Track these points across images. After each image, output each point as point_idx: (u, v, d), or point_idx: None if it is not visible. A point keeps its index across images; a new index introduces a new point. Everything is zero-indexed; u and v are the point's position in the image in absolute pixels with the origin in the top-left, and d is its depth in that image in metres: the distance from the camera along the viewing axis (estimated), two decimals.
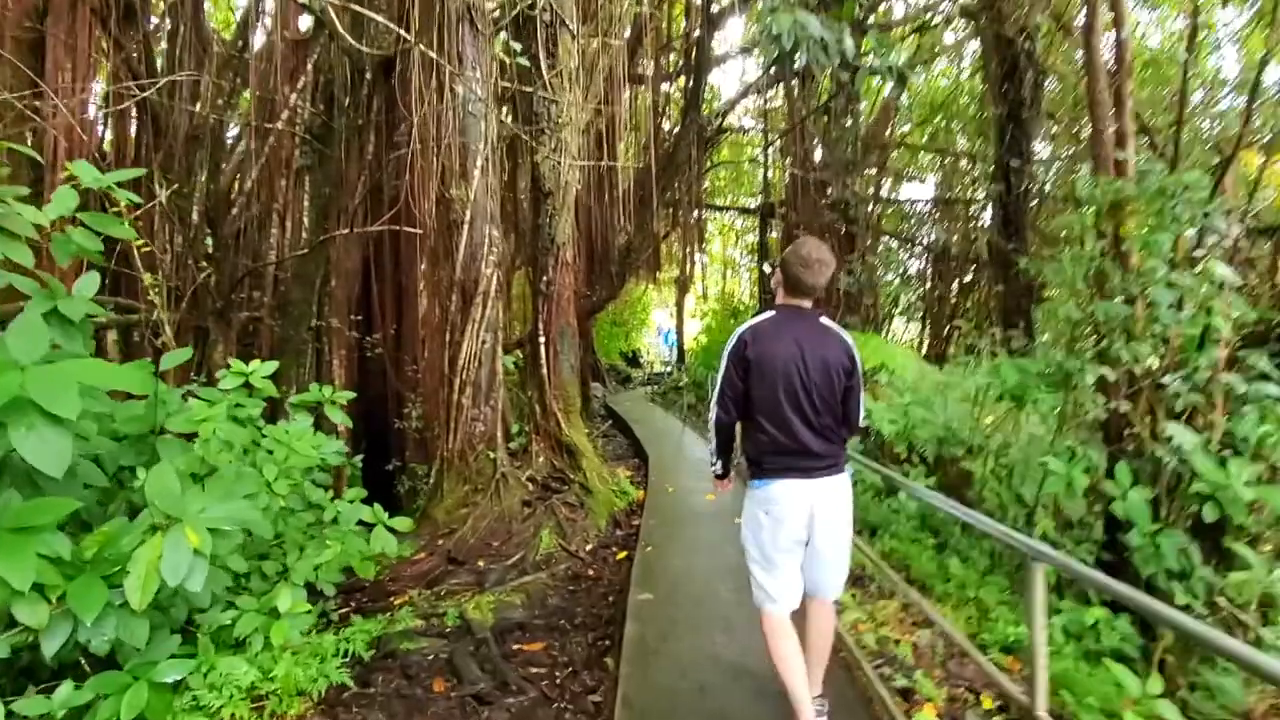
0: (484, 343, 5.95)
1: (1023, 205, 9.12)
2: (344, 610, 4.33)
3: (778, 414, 2.37)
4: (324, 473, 4.91)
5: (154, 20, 7.67)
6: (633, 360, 24.55)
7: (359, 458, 7.15)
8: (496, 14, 6.48)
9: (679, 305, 23.46)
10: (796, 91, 12.20)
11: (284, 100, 8.00)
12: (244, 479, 3.38)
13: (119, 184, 2.95)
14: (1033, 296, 8.31)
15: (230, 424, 3.46)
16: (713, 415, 2.57)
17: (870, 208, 12.44)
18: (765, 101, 13.95)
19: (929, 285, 15.82)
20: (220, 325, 7.79)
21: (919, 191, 21.35)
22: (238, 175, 8.34)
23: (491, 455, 6.00)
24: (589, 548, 5.09)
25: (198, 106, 7.32)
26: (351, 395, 5.21)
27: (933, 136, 16.36)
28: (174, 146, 7.13)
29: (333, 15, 6.38)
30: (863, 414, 2.57)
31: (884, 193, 14.75)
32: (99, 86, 6.90)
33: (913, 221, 16.85)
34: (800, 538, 2.40)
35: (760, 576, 2.46)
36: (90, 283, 2.73)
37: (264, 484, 3.58)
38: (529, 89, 6.32)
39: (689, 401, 12.09)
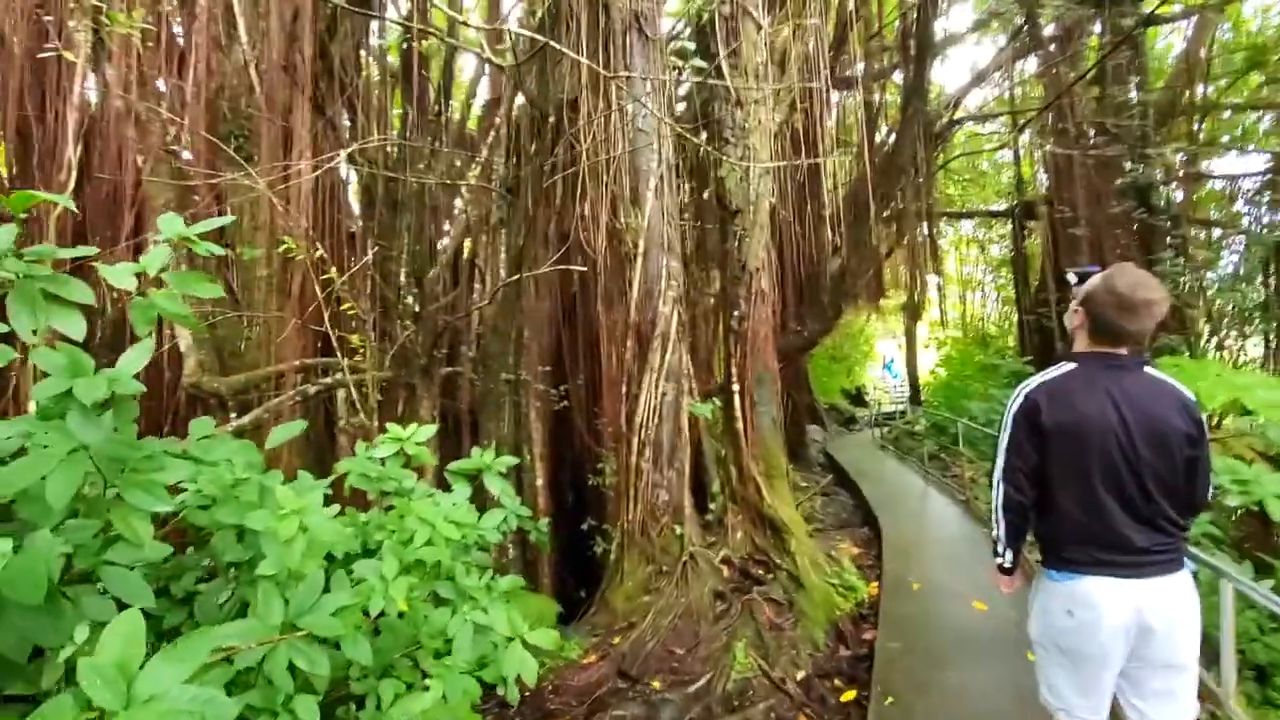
0: (664, 395, 4.99)
1: None
2: None
3: (1089, 497, 1.95)
4: (484, 550, 4.28)
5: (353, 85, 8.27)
6: (857, 398, 22.09)
7: (545, 522, 6.61)
8: (669, 18, 5.71)
9: (909, 335, 20.59)
10: (1054, 57, 9.74)
11: (480, 157, 8.10)
12: (340, 585, 2.75)
13: (201, 237, 2.54)
14: None
15: (326, 518, 2.82)
16: (999, 493, 2.09)
17: (1177, 189, 9.35)
18: (1011, 79, 11.48)
19: (1274, 286, 11.61)
20: (424, 381, 7.94)
21: (1243, 164, 16.34)
22: (440, 233, 8.65)
23: (678, 530, 4.95)
24: (800, 675, 3.72)
25: (406, 171, 7.65)
26: (514, 461, 4.55)
27: (1260, 89, 12.22)
28: (381, 211, 7.47)
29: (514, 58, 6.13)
30: (1211, 488, 2.05)
31: (1194, 169, 11.19)
32: (306, 156, 7.48)
33: (1238, 203, 12.67)
34: (1119, 653, 1.92)
35: (1052, 672, 2.04)
36: (140, 354, 2.25)
37: (372, 591, 2.92)
38: (710, 86, 5.38)
39: (929, 450, 9.93)
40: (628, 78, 5.05)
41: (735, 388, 5.30)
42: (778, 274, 5.77)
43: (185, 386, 7.26)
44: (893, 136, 10.73)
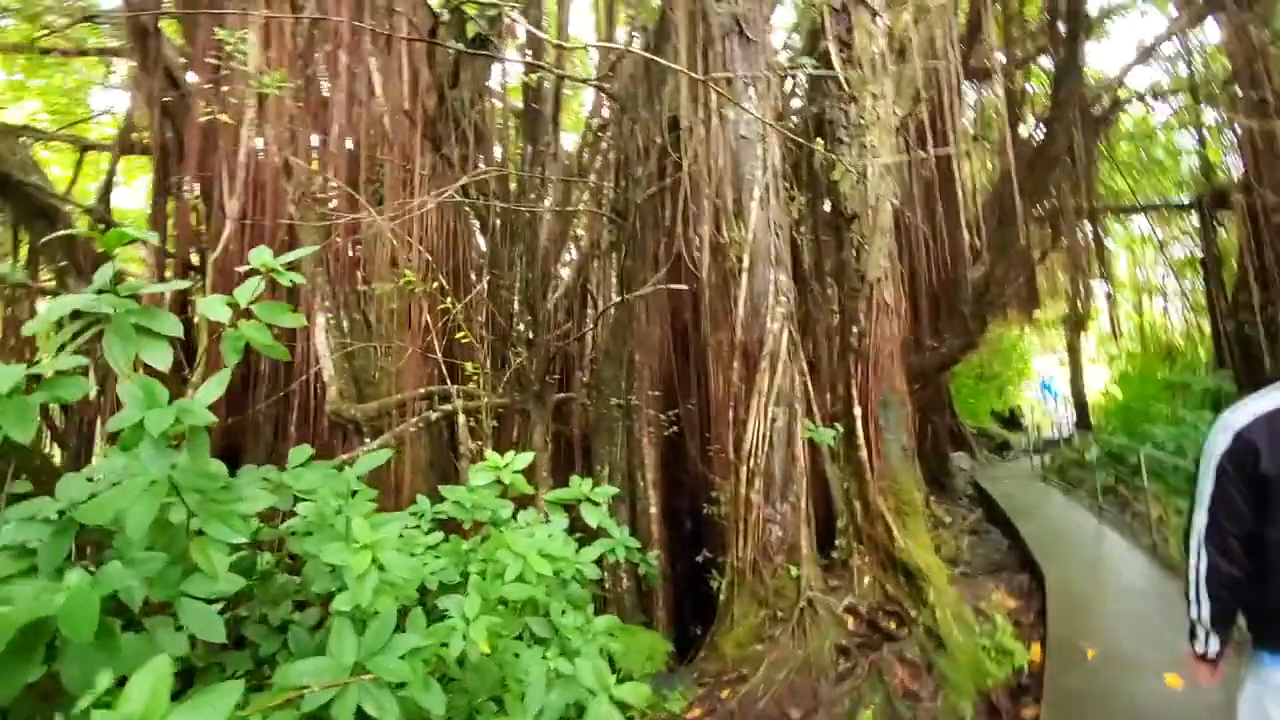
0: (774, 420, 4.55)
1: None
2: None
3: None
4: (583, 587, 4.06)
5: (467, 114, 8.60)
6: (1010, 422, 19.81)
7: (655, 554, 6.34)
8: (772, 20, 5.36)
9: (1072, 350, 18.17)
10: (1240, 15, 8.21)
11: (590, 183, 8.14)
12: (415, 624, 2.61)
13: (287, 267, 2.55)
14: None
15: (404, 552, 2.69)
16: (1200, 562, 1.67)
17: None
18: (1187, 48, 9.85)
19: None
20: (538, 407, 7.99)
21: None
22: (553, 261, 8.77)
23: (793, 572, 4.45)
24: None
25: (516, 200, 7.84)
26: (613, 491, 4.31)
27: None
28: (495, 241, 7.67)
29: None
30: None
31: None
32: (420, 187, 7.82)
33: None
34: None
35: None
36: (217, 386, 2.24)
37: (452, 629, 2.76)
38: (821, 85, 4.96)
39: (1103, 482, 8.50)
40: (728, 80, 4.76)
41: (857, 412, 4.74)
42: (905, 284, 5.15)
43: (328, 413, 7.77)
44: (1042, 128, 9.51)
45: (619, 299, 6.64)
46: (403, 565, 2.50)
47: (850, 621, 4.29)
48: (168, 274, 9.68)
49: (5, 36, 11.65)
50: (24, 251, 11.36)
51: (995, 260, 8.22)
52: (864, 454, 4.65)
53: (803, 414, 4.77)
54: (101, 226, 10.73)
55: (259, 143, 7.43)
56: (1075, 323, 16.01)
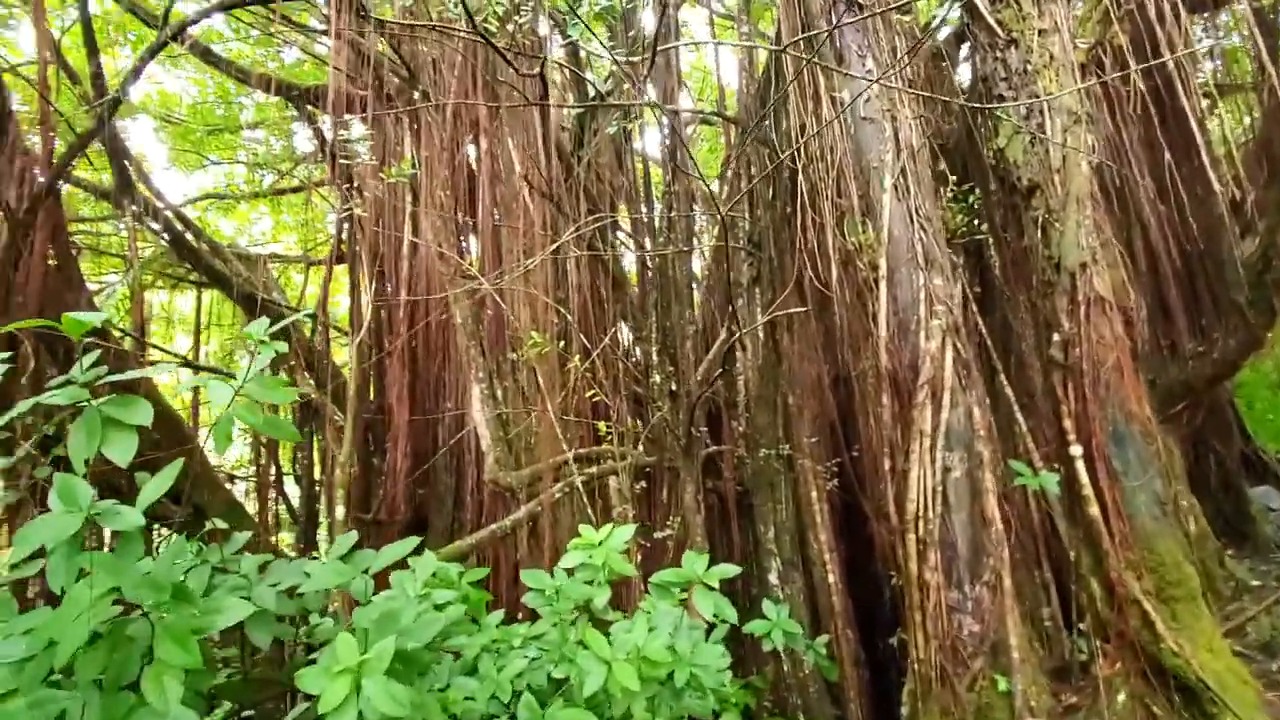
0: (947, 469, 3.40)
1: None
2: None
3: None
4: (701, 697, 3.24)
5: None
6: None
7: (824, 640, 5.23)
8: None
9: None
10: None
11: (721, 215, 7.52)
12: None
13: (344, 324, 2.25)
14: None
15: (390, 679, 2.05)
16: None
17: None
18: None
19: None
20: (686, 462, 7.29)
21: None
22: (690, 304, 8.17)
23: (1001, 684, 3.18)
24: None
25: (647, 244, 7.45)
26: (734, 570, 3.48)
27: None
28: (628, 293, 7.31)
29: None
30: None
31: None
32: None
33: None
34: None
35: None
36: (155, 488, 1.91)
37: None
38: (964, 34, 3.88)
39: None
40: (838, 58, 3.91)
41: (1074, 452, 3.38)
42: (1130, 269, 3.71)
43: (486, 481, 7.81)
44: None
45: (727, 333, 5.81)
46: (392, 696, 1.93)
47: None
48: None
49: (257, 185, 14.28)
50: None
51: (1276, 225, 5.95)
52: (1093, 510, 3.27)
53: (991, 459, 3.53)
54: (319, 329, 12.33)
55: (420, 229, 7.93)
56: None
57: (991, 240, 4.53)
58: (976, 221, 4.63)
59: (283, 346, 2.25)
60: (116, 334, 8.50)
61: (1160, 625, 2.98)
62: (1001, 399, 4.76)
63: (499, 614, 3.36)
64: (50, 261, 6.89)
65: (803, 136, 4.15)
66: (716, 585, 3.31)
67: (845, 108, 3.54)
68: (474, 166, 8.50)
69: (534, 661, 3.15)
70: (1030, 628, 3.39)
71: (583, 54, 8.28)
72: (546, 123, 7.22)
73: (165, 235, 9.23)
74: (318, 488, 11.45)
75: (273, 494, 12.29)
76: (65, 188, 9.82)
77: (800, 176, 4.18)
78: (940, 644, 3.26)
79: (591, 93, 8.19)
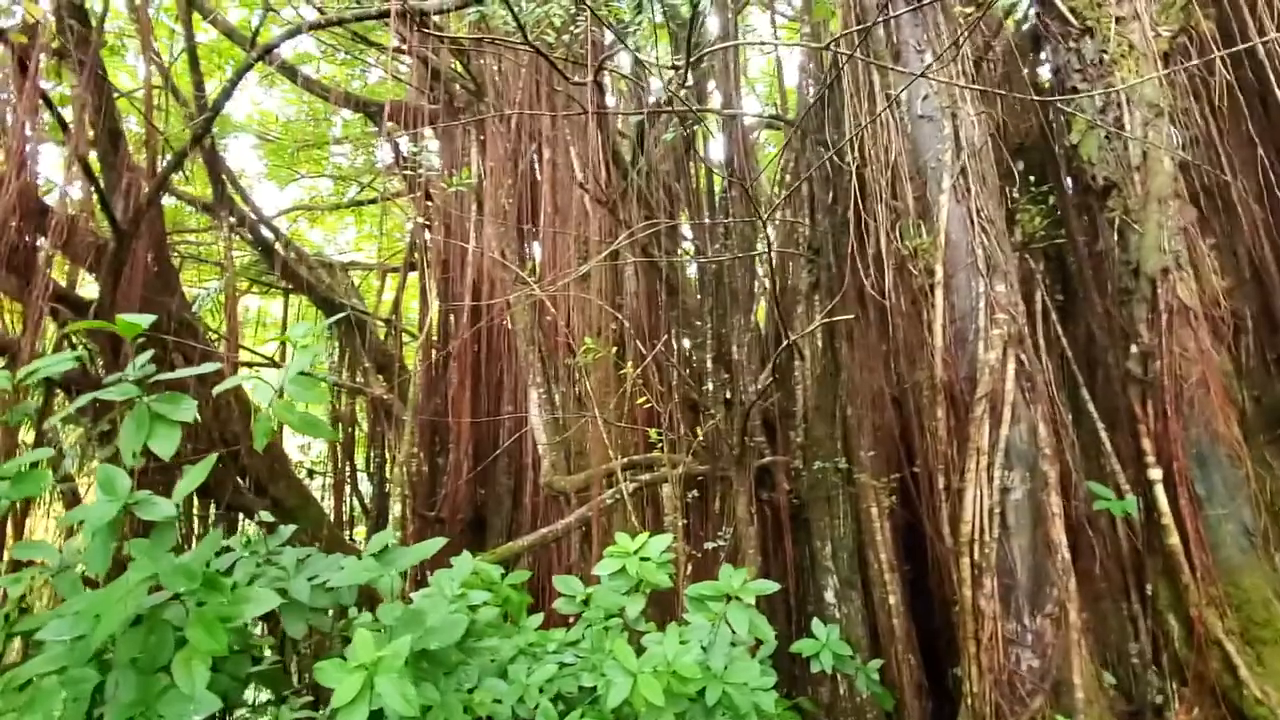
0: (1006, 490, 3.16)
1: None
2: None
3: None
4: (734, 717, 3.14)
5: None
6: None
7: (876, 664, 4.98)
8: None
9: None
10: None
11: (780, 220, 7.38)
12: None
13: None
14: None
15: (404, 679, 2.03)
16: None
17: None
18: None
19: None
20: (739, 473, 7.14)
21: None
22: (747, 311, 8.02)
23: None
24: None
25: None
26: (774, 586, 3.38)
27: None
28: (684, 300, 7.25)
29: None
30: None
31: None
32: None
33: None
34: None
35: None
36: (193, 479, 2.01)
37: None
38: (1036, 24, 3.64)
39: None
40: (895, 54, 3.74)
41: (1153, 475, 3.07)
42: (1219, 275, 3.33)
43: (542, 485, 7.92)
44: None
45: (781, 345, 5.63)
46: (404, 695, 1.95)
47: None
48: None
49: (341, 197, 15.13)
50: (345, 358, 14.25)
51: None
52: (1172, 539, 2.95)
53: (1058, 480, 3.26)
54: (393, 333, 12.88)
55: (483, 236, 8.18)
56: None
57: (1070, 245, 4.20)
58: (1056, 225, 4.29)
59: (320, 349, 2.34)
60: (212, 336, 9.15)
61: (1244, 670, 2.65)
62: (1085, 416, 4.40)
63: (539, 617, 3.37)
64: (152, 268, 7.46)
65: (857, 137, 3.99)
66: (753, 601, 3.21)
67: (893, 99, 3.37)
68: (536, 175, 8.69)
69: (566, 668, 3.13)
70: (1111, 666, 3.10)
71: (644, 61, 8.31)
72: (602, 131, 7.28)
73: (256, 244, 9.86)
74: (388, 486, 11.94)
75: (348, 490, 12.87)
76: (173, 202, 10.66)
77: (853, 179, 4.01)
78: (996, 678, 3.02)
79: (651, 100, 8.22)
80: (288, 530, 2.77)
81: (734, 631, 3.16)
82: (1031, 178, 4.85)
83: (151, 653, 1.89)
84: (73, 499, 6.15)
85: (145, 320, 2.09)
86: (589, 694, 3.10)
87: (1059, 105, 3.44)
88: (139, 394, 2.09)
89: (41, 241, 5.62)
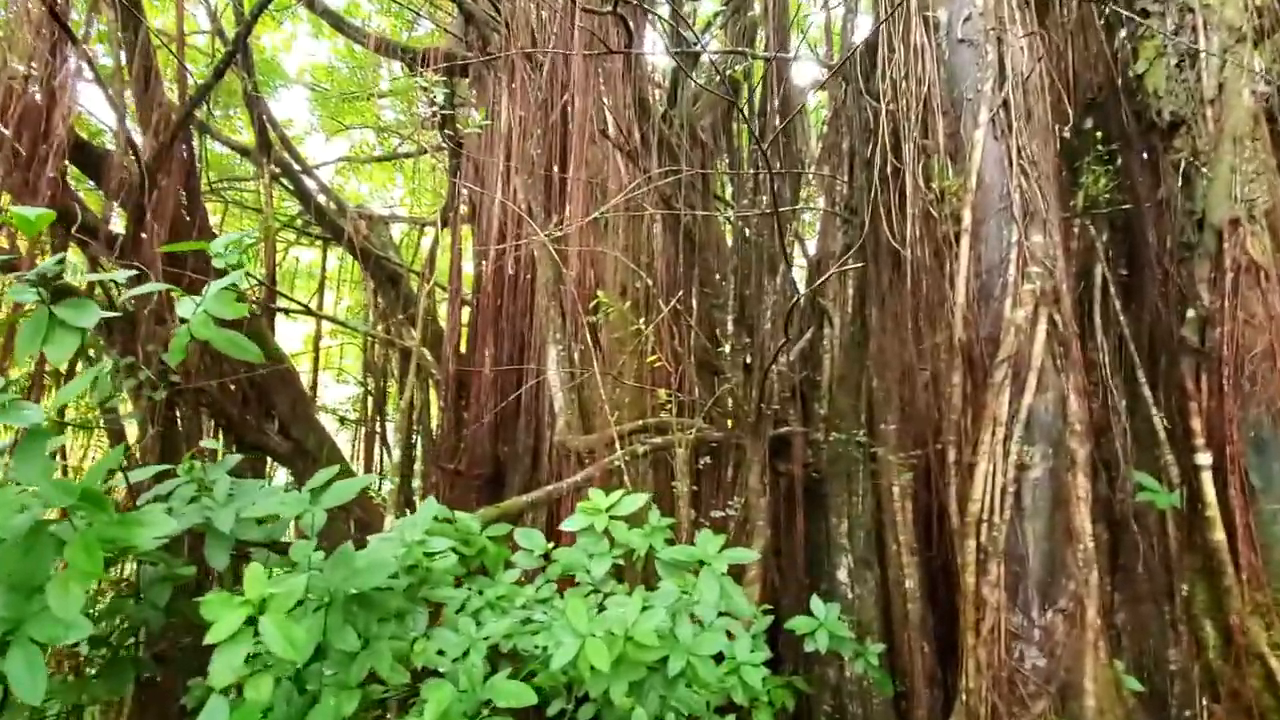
0: (1023, 466, 2.78)
1: None
2: None
3: None
4: (700, 687, 2.91)
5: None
6: None
7: (878, 649, 4.71)
8: None
9: None
10: None
11: (814, 175, 6.90)
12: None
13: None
14: None
15: (293, 619, 1.83)
16: None
17: None
18: None
19: None
20: (754, 441, 6.82)
21: None
22: (774, 273, 7.57)
23: None
24: None
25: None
26: (753, 555, 3.13)
27: None
28: (709, 258, 6.89)
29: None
30: None
31: None
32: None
33: None
34: None
35: None
36: (75, 386, 1.84)
37: None
38: None
39: None
40: None
41: (1202, 460, 2.62)
42: None
43: (556, 443, 7.77)
44: None
45: (786, 300, 5.20)
46: (289, 638, 1.76)
47: None
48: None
49: (390, 149, 15.17)
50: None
51: None
52: (1217, 534, 2.53)
53: (1087, 461, 2.85)
54: (425, 285, 12.90)
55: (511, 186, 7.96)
56: None
57: (1131, 199, 3.65)
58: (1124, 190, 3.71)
59: (240, 265, 2.15)
60: (250, 280, 9.27)
61: None
62: (1140, 403, 3.91)
63: (515, 572, 3.23)
64: (181, 207, 7.49)
65: (890, 69, 3.55)
66: (725, 569, 2.95)
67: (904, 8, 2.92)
68: (567, 125, 8.36)
69: (528, 624, 2.97)
70: (1147, 674, 2.72)
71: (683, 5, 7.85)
72: (629, 74, 6.89)
73: (297, 192, 9.91)
74: (414, 438, 12.07)
75: (377, 442, 13.06)
76: (222, 150, 10.79)
77: (882, 117, 3.58)
78: (995, 676, 2.69)
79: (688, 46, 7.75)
80: (232, 459, 2.64)
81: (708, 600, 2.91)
82: (1099, 134, 4.27)
83: (28, 571, 1.76)
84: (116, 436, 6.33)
85: (45, 215, 1.92)
86: (545, 654, 2.90)
87: (1126, 27, 2.93)
88: (38, 296, 1.94)
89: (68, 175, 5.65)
